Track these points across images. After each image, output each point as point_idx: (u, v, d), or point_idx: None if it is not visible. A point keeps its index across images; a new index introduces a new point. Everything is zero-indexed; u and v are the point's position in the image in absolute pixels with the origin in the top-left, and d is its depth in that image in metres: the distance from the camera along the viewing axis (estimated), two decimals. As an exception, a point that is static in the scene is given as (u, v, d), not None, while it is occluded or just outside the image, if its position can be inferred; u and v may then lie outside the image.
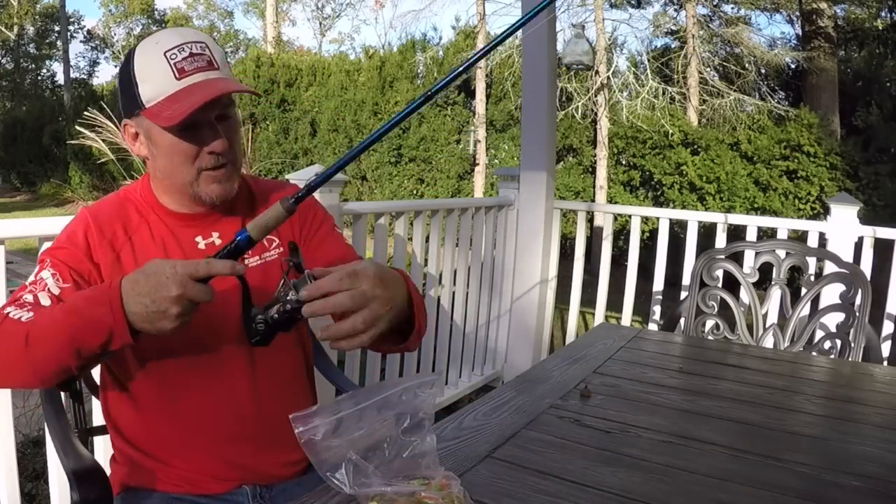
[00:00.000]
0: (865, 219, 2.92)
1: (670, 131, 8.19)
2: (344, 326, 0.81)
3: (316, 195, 1.35)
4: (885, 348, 2.65)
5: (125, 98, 1.03)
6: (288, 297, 0.83)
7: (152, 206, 1.09)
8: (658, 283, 3.17)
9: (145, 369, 1.05)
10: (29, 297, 0.95)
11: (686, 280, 2.98)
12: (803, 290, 1.86)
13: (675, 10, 10.36)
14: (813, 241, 2.80)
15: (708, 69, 9.21)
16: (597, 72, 8.61)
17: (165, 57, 0.98)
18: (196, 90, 0.97)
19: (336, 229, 1.23)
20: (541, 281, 3.26)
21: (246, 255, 1.10)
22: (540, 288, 3.27)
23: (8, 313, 0.92)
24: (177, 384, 1.05)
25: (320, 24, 24.98)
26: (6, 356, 0.89)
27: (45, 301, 0.95)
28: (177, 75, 0.98)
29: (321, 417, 0.71)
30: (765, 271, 1.95)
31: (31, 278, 0.99)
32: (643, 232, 6.21)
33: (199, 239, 1.09)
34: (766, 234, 4.30)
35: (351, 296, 0.80)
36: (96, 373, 1.22)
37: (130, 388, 1.08)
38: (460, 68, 0.87)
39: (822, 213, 7.12)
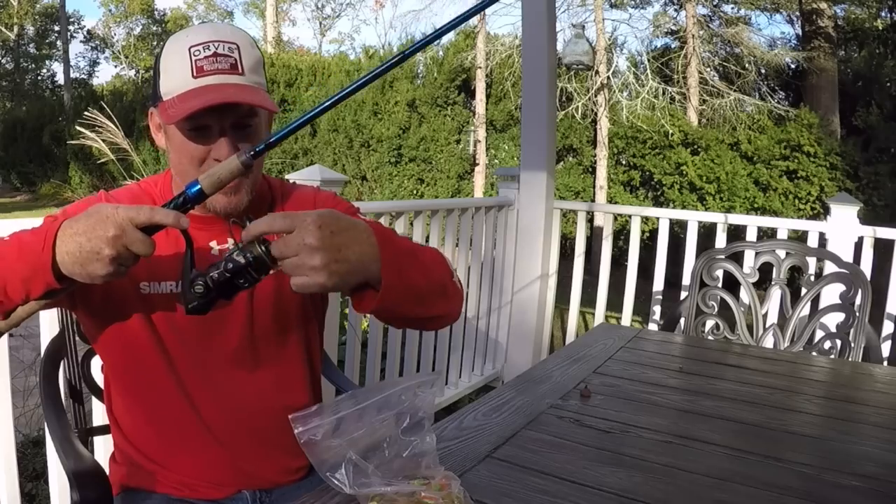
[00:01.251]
0: (865, 219, 2.93)
1: (670, 131, 8.19)
2: (285, 264, 0.78)
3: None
4: (885, 348, 2.65)
5: (152, 87, 1.01)
6: (231, 256, 0.79)
7: None
8: (658, 283, 3.17)
9: (148, 371, 1.04)
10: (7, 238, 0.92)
11: (686, 280, 2.98)
12: (803, 290, 1.86)
13: (675, 10, 10.37)
14: (813, 241, 2.81)
15: (708, 69, 9.21)
16: (597, 72, 8.61)
17: (189, 52, 0.94)
18: (206, 92, 0.92)
19: (359, 214, 1.15)
20: (541, 281, 3.26)
21: None
22: (540, 288, 3.27)
23: None
24: (179, 388, 1.04)
25: (320, 24, 24.99)
26: None
27: None
28: (194, 73, 0.93)
29: (321, 417, 0.71)
30: (765, 271, 1.95)
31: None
32: (643, 232, 6.21)
33: (213, 244, 1.06)
34: (766, 234, 4.30)
35: (284, 242, 0.77)
36: (97, 374, 1.22)
37: (133, 389, 1.07)
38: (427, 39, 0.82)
39: (822, 213, 7.12)
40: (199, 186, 0.80)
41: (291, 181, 1.21)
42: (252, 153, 0.80)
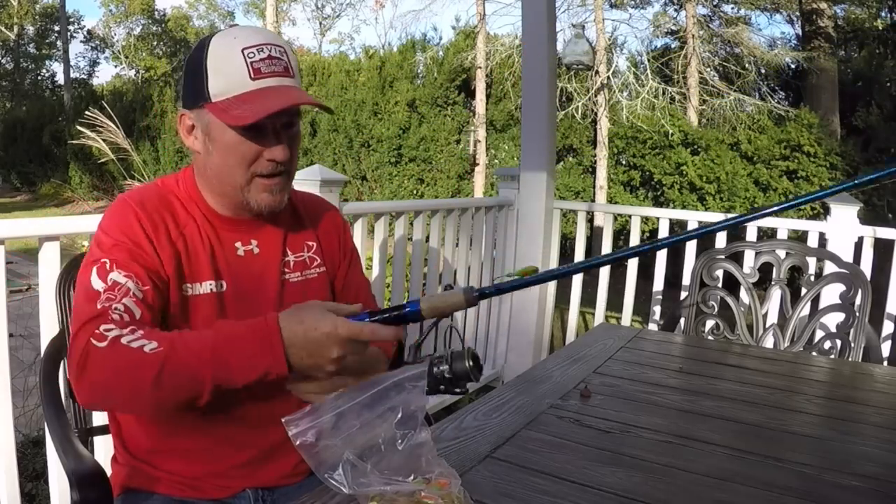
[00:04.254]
0: (865, 219, 2.92)
1: (670, 131, 8.19)
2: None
3: (318, 195, 1.35)
4: (885, 348, 2.65)
5: (189, 87, 1.00)
6: (440, 368, 0.85)
7: (197, 202, 1.05)
8: (658, 283, 3.17)
9: None
10: (119, 307, 0.89)
11: (686, 280, 2.98)
12: (803, 290, 1.86)
13: (675, 10, 10.37)
14: (813, 241, 2.80)
15: (708, 69, 9.21)
16: (597, 72, 8.61)
17: (243, 54, 0.95)
18: (271, 94, 0.94)
19: (360, 265, 1.27)
20: (541, 281, 3.25)
21: (287, 270, 1.10)
22: (540, 288, 3.27)
23: (117, 337, 0.85)
24: None
25: (320, 24, 24.98)
26: (130, 386, 0.84)
27: (136, 310, 0.91)
28: (252, 75, 0.95)
29: (313, 418, 0.71)
30: (765, 271, 1.94)
31: (97, 281, 0.91)
32: (643, 232, 6.20)
33: (238, 244, 1.06)
34: (766, 234, 4.30)
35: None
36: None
37: None
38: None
39: (822, 213, 7.12)
40: (418, 308, 0.83)
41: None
42: (478, 294, 0.83)
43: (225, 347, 0.84)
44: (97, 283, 0.91)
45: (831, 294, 1.87)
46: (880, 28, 10.36)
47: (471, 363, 0.83)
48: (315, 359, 0.82)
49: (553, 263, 3.34)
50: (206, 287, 1.02)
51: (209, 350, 0.84)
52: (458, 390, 0.84)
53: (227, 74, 0.96)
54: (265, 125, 0.97)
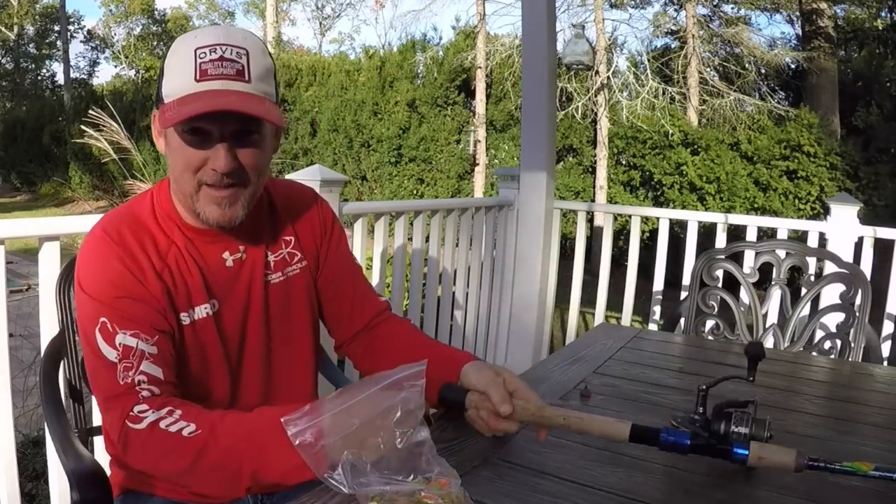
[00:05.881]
0: (865, 219, 2.92)
1: (670, 131, 8.19)
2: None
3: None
4: (885, 348, 2.65)
5: (157, 88, 0.96)
6: (737, 429, 0.81)
7: (175, 220, 1.00)
8: (658, 283, 3.17)
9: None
10: (143, 380, 0.88)
11: (686, 280, 2.98)
12: (803, 290, 1.86)
13: (675, 10, 10.38)
14: (813, 241, 2.80)
15: (708, 69, 9.21)
16: (597, 72, 8.61)
17: (194, 54, 0.89)
18: (206, 97, 0.88)
19: (346, 241, 1.20)
20: (541, 281, 3.26)
21: (269, 272, 1.06)
22: (540, 288, 3.27)
23: (155, 421, 0.84)
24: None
25: (320, 24, 24.98)
26: (168, 470, 0.84)
27: (157, 371, 0.90)
28: (197, 76, 0.88)
29: (312, 418, 0.71)
30: (765, 271, 1.94)
31: (107, 348, 0.89)
32: (643, 232, 6.21)
33: (226, 254, 1.03)
34: (766, 234, 4.30)
35: None
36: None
37: None
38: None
39: (822, 213, 7.12)
40: (746, 455, 0.78)
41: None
42: (808, 465, 0.76)
43: (263, 434, 0.80)
44: (108, 352, 0.89)
45: (831, 294, 1.87)
46: (880, 28, 10.36)
47: (769, 434, 0.79)
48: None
49: (553, 263, 3.34)
50: (202, 311, 0.99)
51: (245, 439, 0.81)
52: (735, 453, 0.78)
53: (175, 76, 0.91)
54: (209, 130, 0.90)
